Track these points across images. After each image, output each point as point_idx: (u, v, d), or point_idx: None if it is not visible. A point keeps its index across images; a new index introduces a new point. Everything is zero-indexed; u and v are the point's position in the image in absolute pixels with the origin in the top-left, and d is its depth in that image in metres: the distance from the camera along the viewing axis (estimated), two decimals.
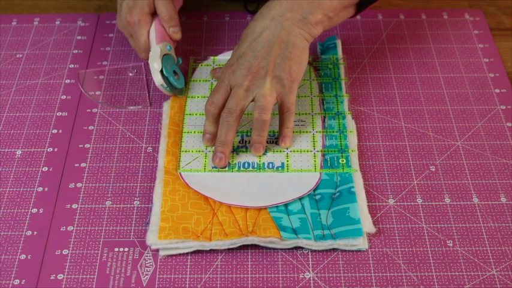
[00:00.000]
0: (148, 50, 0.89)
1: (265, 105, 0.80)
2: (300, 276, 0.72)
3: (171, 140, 0.84)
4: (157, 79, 0.87)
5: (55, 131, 0.87)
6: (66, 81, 0.94)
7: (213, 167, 0.82)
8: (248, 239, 0.74)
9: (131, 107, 0.90)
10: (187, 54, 0.97)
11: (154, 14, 0.90)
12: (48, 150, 0.85)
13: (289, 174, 0.81)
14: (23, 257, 0.74)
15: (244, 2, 1.04)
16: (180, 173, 0.81)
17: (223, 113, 0.80)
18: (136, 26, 0.88)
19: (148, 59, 0.88)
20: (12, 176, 0.82)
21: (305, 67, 0.83)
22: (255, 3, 1.03)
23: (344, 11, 0.85)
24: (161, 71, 0.87)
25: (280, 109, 0.83)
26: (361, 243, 0.74)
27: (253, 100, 0.81)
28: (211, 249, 0.74)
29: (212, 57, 0.96)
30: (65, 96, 0.92)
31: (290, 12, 0.82)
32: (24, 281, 0.72)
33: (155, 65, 0.87)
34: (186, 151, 0.84)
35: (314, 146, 0.84)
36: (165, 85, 0.87)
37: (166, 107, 0.89)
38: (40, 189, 0.81)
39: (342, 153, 0.83)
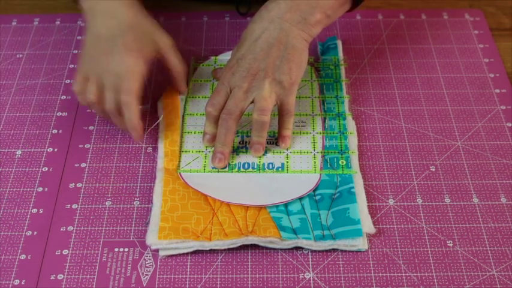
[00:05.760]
0: None
1: (264, 106, 0.80)
2: (300, 277, 0.72)
3: (168, 140, 0.84)
4: None
5: (55, 131, 0.87)
6: (66, 81, 0.94)
7: (212, 168, 0.82)
8: (248, 239, 0.74)
9: None
10: (187, 54, 0.96)
11: None
12: (48, 150, 0.85)
13: (289, 174, 0.81)
14: (23, 257, 0.74)
15: (236, 4, 1.03)
16: (179, 173, 0.81)
17: (223, 114, 0.80)
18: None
19: None
20: (12, 176, 0.82)
21: (304, 69, 0.82)
22: (246, 5, 1.02)
23: (341, 8, 0.85)
24: None
25: (279, 111, 0.83)
26: (361, 243, 0.74)
27: (252, 102, 0.81)
28: (211, 249, 0.74)
29: (213, 57, 0.96)
30: (65, 96, 0.92)
31: (289, 13, 0.81)
32: (24, 281, 0.72)
33: None
34: (186, 151, 0.84)
35: (314, 147, 0.84)
36: None
37: (160, 107, 0.89)
38: (40, 189, 0.81)
39: (341, 154, 0.83)
